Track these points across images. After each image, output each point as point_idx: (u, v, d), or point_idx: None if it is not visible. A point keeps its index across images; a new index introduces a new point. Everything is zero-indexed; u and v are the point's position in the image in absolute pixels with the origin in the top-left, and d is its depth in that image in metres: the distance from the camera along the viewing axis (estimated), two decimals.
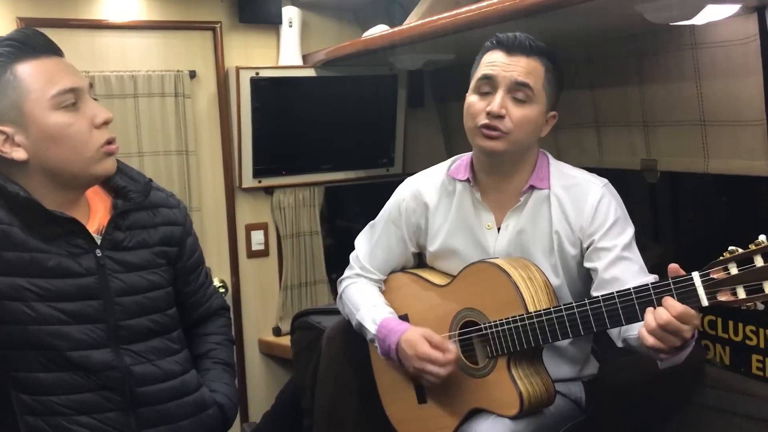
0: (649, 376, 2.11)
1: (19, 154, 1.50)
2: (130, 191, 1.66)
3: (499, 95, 1.70)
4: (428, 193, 1.92)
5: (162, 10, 2.82)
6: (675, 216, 2.69)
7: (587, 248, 1.75)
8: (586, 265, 1.75)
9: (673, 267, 1.43)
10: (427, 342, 1.75)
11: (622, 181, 1.89)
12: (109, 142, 1.57)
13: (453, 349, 1.74)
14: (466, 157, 1.90)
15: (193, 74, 2.86)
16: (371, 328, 1.87)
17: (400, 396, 1.92)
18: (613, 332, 1.69)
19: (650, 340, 1.43)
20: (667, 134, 2.20)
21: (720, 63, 1.97)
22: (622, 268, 1.68)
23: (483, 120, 1.72)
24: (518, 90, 1.70)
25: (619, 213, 1.75)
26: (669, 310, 1.40)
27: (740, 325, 2.23)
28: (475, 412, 1.75)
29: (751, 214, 2.41)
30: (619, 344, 1.71)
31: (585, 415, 1.86)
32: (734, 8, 1.74)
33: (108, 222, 1.62)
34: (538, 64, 1.72)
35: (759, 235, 1.35)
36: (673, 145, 2.18)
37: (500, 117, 1.70)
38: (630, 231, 1.75)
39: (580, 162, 1.95)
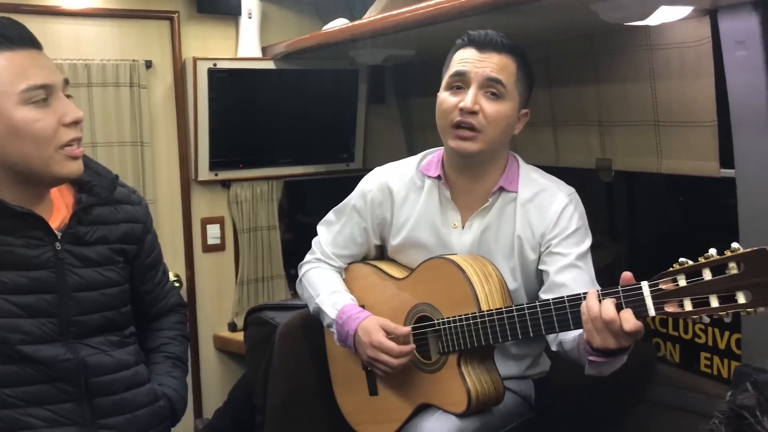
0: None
1: None
2: (94, 186, 1.64)
3: (472, 91, 1.69)
4: (396, 187, 1.90)
5: None
6: (630, 215, 2.73)
7: (543, 252, 1.76)
8: (540, 267, 1.77)
9: (627, 275, 1.43)
10: (383, 331, 1.75)
11: (578, 179, 1.90)
12: (72, 143, 1.52)
13: (408, 336, 1.74)
14: (437, 153, 1.89)
15: (149, 64, 2.81)
16: (331, 312, 1.86)
17: (352, 387, 1.92)
18: (550, 336, 1.69)
19: (589, 333, 1.43)
20: (622, 134, 2.22)
21: (674, 64, 1.99)
22: (573, 276, 1.70)
23: (456, 117, 1.71)
24: (491, 86, 1.70)
25: (581, 223, 1.77)
26: (624, 323, 1.39)
27: (690, 323, 2.26)
28: (425, 407, 1.75)
29: (703, 214, 2.45)
30: (554, 347, 1.72)
31: (534, 413, 1.87)
32: (687, 10, 1.76)
33: (71, 216, 1.59)
34: (510, 60, 1.72)
35: (711, 239, 1.36)
36: (628, 144, 2.21)
37: (473, 113, 1.69)
38: (587, 243, 1.76)
39: (536, 160, 1.96)
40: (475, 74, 1.70)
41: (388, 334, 1.75)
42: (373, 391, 1.87)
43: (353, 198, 1.98)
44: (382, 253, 2.02)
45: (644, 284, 1.39)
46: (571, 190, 1.81)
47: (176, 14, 2.84)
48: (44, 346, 1.53)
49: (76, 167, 1.55)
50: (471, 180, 1.81)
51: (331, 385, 1.99)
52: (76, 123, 1.52)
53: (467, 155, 1.74)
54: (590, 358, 1.50)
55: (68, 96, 1.54)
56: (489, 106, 1.69)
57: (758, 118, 1.77)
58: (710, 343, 2.22)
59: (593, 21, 1.78)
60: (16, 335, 1.51)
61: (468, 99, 1.68)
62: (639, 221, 2.70)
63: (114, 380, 1.62)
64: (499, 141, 1.75)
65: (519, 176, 1.82)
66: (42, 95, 1.47)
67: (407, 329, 1.75)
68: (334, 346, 1.94)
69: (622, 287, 1.42)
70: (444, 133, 1.76)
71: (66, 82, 1.54)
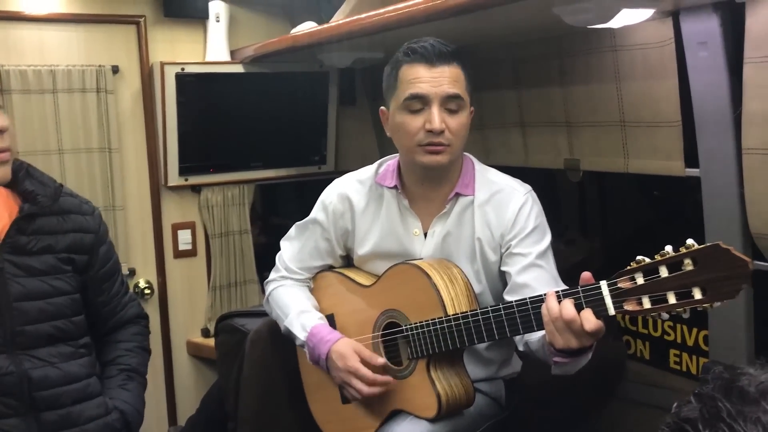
0: (572, 373, 2.15)
1: None
2: (38, 195, 1.63)
3: (435, 111, 1.67)
4: (356, 198, 1.90)
5: (83, 2, 2.72)
6: (600, 214, 2.75)
7: (503, 252, 1.76)
8: (502, 268, 1.77)
9: (586, 275, 1.43)
10: (358, 356, 1.74)
11: (547, 180, 1.91)
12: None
13: (383, 364, 1.74)
14: (392, 162, 1.88)
15: (116, 69, 2.77)
16: (300, 335, 1.85)
17: (325, 395, 1.91)
18: (516, 336, 1.68)
19: (550, 334, 1.43)
20: (589, 134, 2.23)
21: (639, 65, 2.01)
22: (534, 276, 1.70)
23: (424, 139, 1.69)
24: (451, 102, 1.69)
25: (539, 221, 1.77)
26: (584, 323, 1.38)
27: (659, 321, 2.29)
28: (396, 413, 1.75)
29: (669, 213, 2.48)
30: (521, 347, 1.72)
31: (506, 413, 1.88)
32: (649, 12, 1.78)
33: (10, 225, 1.58)
34: (458, 69, 1.71)
35: (679, 237, 1.35)
36: (595, 145, 2.23)
37: (441, 132, 1.68)
38: (547, 240, 1.76)
39: (506, 161, 1.96)
40: (435, 94, 1.67)
41: (363, 360, 1.74)
42: (345, 400, 1.86)
43: (315, 211, 1.97)
44: (348, 262, 2.02)
45: (603, 283, 1.39)
46: (527, 188, 1.81)
47: (143, 18, 2.81)
48: None
49: (1, 172, 1.55)
50: (430, 188, 1.82)
51: (303, 391, 1.98)
52: (1, 132, 1.53)
53: (439, 168, 1.74)
54: (555, 359, 1.50)
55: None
56: (452, 121, 1.69)
57: (721, 117, 1.79)
58: (679, 340, 2.25)
59: (558, 23, 1.79)
60: None
61: (435, 121, 1.66)
62: (608, 220, 2.73)
63: (60, 393, 1.59)
64: (461, 149, 1.77)
65: (475, 179, 1.82)
66: None
67: (382, 361, 1.74)
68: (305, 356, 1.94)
69: (581, 287, 1.42)
70: (410, 152, 1.74)
71: None
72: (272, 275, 2.04)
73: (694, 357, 2.21)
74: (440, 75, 1.68)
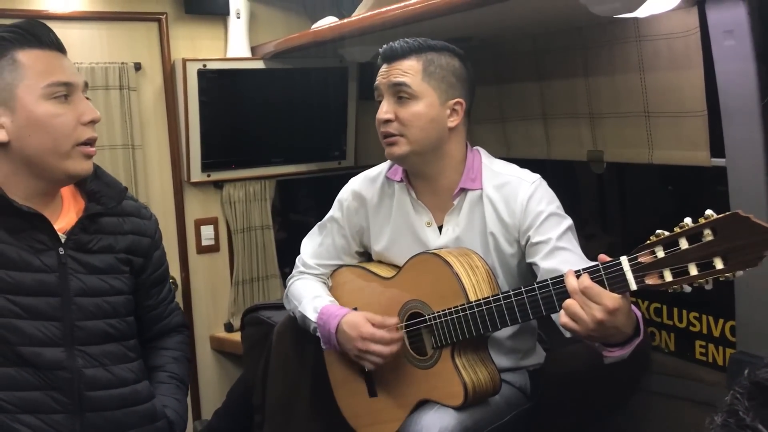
0: (597, 364, 2.14)
1: (1, 136, 1.51)
2: (102, 196, 1.66)
3: (384, 101, 1.79)
4: (368, 195, 1.94)
5: (105, 0, 2.74)
6: (622, 206, 2.74)
7: (525, 245, 1.77)
8: (528, 260, 1.77)
9: (602, 257, 1.44)
10: (370, 322, 1.76)
11: (570, 172, 1.91)
12: (89, 142, 1.57)
13: (396, 324, 1.76)
14: None
15: (138, 66, 2.80)
16: (312, 316, 1.87)
17: (352, 390, 1.92)
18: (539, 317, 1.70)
19: (571, 308, 1.41)
20: (613, 126, 2.23)
21: (663, 55, 2.00)
22: (560, 259, 1.70)
23: (381, 129, 1.79)
24: (399, 91, 1.77)
25: (552, 207, 1.76)
26: (603, 295, 1.39)
27: (684, 311, 2.28)
28: (423, 403, 1.76)
29: (694, 204, 2.47)
30: (567, 334, 1.72)
31: (531, 403, 1.88)
32: (675, 1, 1.77)
33: (75, 223, 1.61)
34: (414, 62, 1.77)
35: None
36: (619, 136, 2.22)
37: (389, 122, 1.77)
38: (565, 223, 1.76)
39: (528, 154, 1.97)
40: (384, 84, 1.79)
41: (376, 325, 1.76)
42: (372, 393, 1.87)
43: (332, 209, 2.03)
44: (367, 260, 2.03)
45: (623, 259, 1.39)
46: (536, 177, 1.81)
47: (164, 15, 2.83)
48: (45, 350, 1.53)
49: (87, 166, 1.59)
50: (427, 182, 1.85)
51: (329, 382, 1.99)
52: (93, 122, 1.58)
53: (397, 159, 1.81)
54: (603, 353, 1.51)
55: (87, 98, 1.59)
56: (402, 110, 1.77)
57: (748, 106, 1.78)
58: (705, 331, 2.24)
59: (582, 13, 1.79)
60: (16, 336, 1.50)
61: (380, 111, 1.79)
62: (631, 212, 2.72)
63: (109, 396, 1.60)
64: (427, 139, 1.77)
65: (482, 172, 1.82)
66: (63, 92, 1.53)
67: (394, 320, 1.77)
68: (331, 352, 1.96)
69: (602, 264, 1.42)
70: (383, 146, 1.83)
71: (86, 85, 1.61)
72: (293, 273, 2.08)
73: (720, 348, 2.20)
74: (393, 68, 1.79)
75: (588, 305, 1.39)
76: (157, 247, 1.79)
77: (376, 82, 1.82)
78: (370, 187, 1.95)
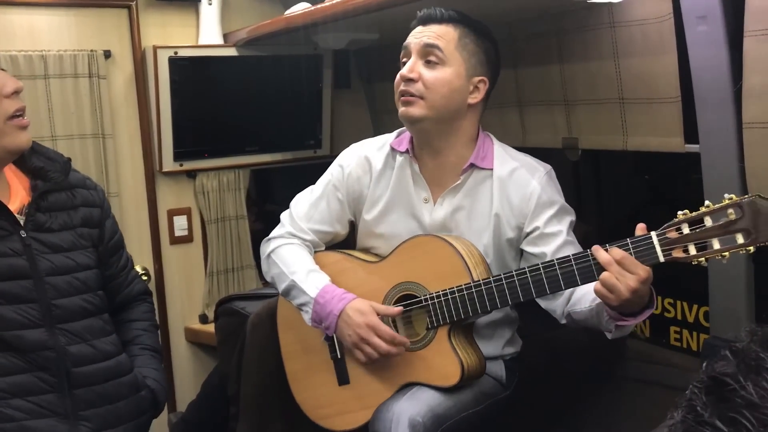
0: (573, 352, 2.16)
1: None
2: (48, 171, 1.63)
3: (411, 60, 1.76)
4: (375, 160, 1.91)
5: None
6: (597, 193, 2.74)
7: (529, 233, 1.76)
8: (529, 249, 1.77)
9: (641, 226, 1.51)
10: (376, 312, 1.74)
11: (545, 159, 1.90)
12: (19, 114, 1.53)
13: (399, 312, 1.75)
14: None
15: (108, 54, 2.74)
16: (311, 291, 1.81)
17: (315, 381, 1.89)
18: (557, 309, 1.72)
19: (610, 279, 1.47)
20: (587, 112, 2.22)
21: (637, 41, 2.00)
22: (570, 251, 1.70)
23: (400, 87, 1.76)
24: (429, 53, 1.75)
25: (562, 199, 1.80)
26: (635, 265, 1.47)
27: (659, 298, 2.29)
28: (404, 388, 1.74)
29: (668, 190, 2.48)
30: (563, 320, 1.74)
31: (506, 392, 1.88)
32: None
33: (29, 203, 1.59)
34: (450, 28, 1.76)
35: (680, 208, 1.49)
36: (593, 123, 2.22)
37: (412, 80, 1.74)
38: (572, 215, 1.80)
39: (504, 141, 1.95)
40: (415, 44, 1.77)
41: (379, 315, 1.75)
42: (343, 380, 1.85)
43: (330, 172, 1.97)
44: (348, 238, 2.01)
45: (653, 233, 1.50)
46: (548, 167, 1.83)
47: (134, 2, 2.77)
48: (27, 332, 1.53)
49: (25, 138, 1.56)
50: (434, 155, 1.82)
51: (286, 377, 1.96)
52: (16, 93, 1.54)
53: (411, 120, 1.77)
54: (618, 323, 1.55)
55: (2, 70, 1.55)
56: (428, 73, 1.75)
57: (721, 92, 1.78)
58: (679, 317, 2.26)
59: (557, 0, 1.78)
60: None
61: (405, 67, 1.76)
62: (607, 198, 2.72)
63: (95, 371, 1.61)
64: (446, 109, 1.76)
65: (493, 153, 1.82)
66: None
67: (399, 309, 1.75)
68: (289, 343, 1.94)
69: (631, 239, 1.50)
70: (397, 107, 1.80)
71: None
72: (276, 232, 1.99)
73: (694, 333, 2.22)
74: (427, 30, 1.77)
75: (623, 275, 1.47)
76: (107, 215, 1.78)
77: (407, 41, 1.79)
78: (377, 154, 1.91)
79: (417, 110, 1.74)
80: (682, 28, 1.83)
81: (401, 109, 1.76)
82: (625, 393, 2.27)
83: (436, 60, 1.74)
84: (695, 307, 2.20)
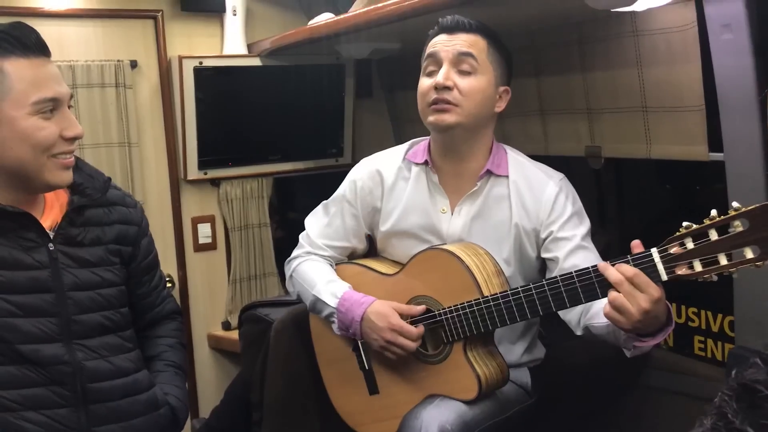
0: (596, 360, 2.14)
1: None
2: (86, 188, 1.66)
3: (444, 68, 1.75)
4: (386, 172, 1.91)
5: None
6: (620, 201, 2.73)
7: (545, 239, 1.76)
8: (544, 255, 1.77)
9: (636, 243, 1.45)
10: (398, 314, 1.74)
11: (567, 168, 1.91)
12: (66, 154, 1.55)
13: (421, 311, 1.75)
14: (424, 141, 1.91)
15: (134, 64, 2.79)
16: (331, 301, 1.83)
17: (349, 388, 1.90)
18: (573, 320, 1.71)
19: (618, 300, 1.40)
20: (611, 121, 2.22)
21: (660, 50, 1.99)
22: (583, 257, 1.71)
23: (432, 96, 1.74)
24: (462, 62, 1.74)
25: (577, 206, 1.79)
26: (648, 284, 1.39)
27: (683, 307, 2.28)
28: (426, 398, 1.75)
29: (692, 199, 2.46)
30: (579, 332, 1.72)
31: (532, 400, 1.87)
32: None
33: (62, 217, 1.60)
34: (478, 38, 1.77)
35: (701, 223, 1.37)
36: (616, 131, 2.21)
37: (447, 89, 1.73)
38: (587, 224, 1.79)
39: (525, 150, 1.96)
40: (446, 52, 1.75)
41: (402, 315, 1.75)
42: (373, 390, 1.86)
43: (342, 188, 1.98)
44: (369, 248, 2.01)
45: (654, 251, 1.40)
46: (561, 175, 1.83)
47: (160, 13, 2.82)
48: (44, 346, 1.53)
49: (66, 177, 1.57)
50: (456, 162, 1.83)
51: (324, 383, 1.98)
52: (75, 138, 1.56)
53: (446, 127, 1.76)
54: (635, 344, 1.49)
55: (70, 106, 1.57)
56: (462, 81, 1.74)
57: (746, 101, 1.77)
58: (703, 326, 2.24)
59: (579, 8, 1.78)
60: (14, 335, 1.50)
61: (440, 75, 1.74)
62: (629, 207, 2.71)
63: (111, 387, 1.61)
64: (478, 116, 1.77)
65: (507, 161, 1.83)
66: (50, 107, 1.51)
67: (420, 308, 1.75)
68: (325, 351, 1.95)
69: (631, 256, 1.43)
70: (424, 115, 1.79)
71: (71, 96, 1.58)
72: (295, 252, 2.02)
73: (719, 343, 2.20)
74: (456, 38, 1.76)
75: (634, 295, 1.39)
76: (144, 234, 1.79)
77: (434, 50, 1.77)
78: (389, 167, 1.91)
79: (452, 117, 1.74)
80: (705, 36, 1.83)
81: (434, 117, 1.75)
82: (649, 402, 2.26)
83: (469, 69, 1.74)
84: (720, 316, 2.18)
